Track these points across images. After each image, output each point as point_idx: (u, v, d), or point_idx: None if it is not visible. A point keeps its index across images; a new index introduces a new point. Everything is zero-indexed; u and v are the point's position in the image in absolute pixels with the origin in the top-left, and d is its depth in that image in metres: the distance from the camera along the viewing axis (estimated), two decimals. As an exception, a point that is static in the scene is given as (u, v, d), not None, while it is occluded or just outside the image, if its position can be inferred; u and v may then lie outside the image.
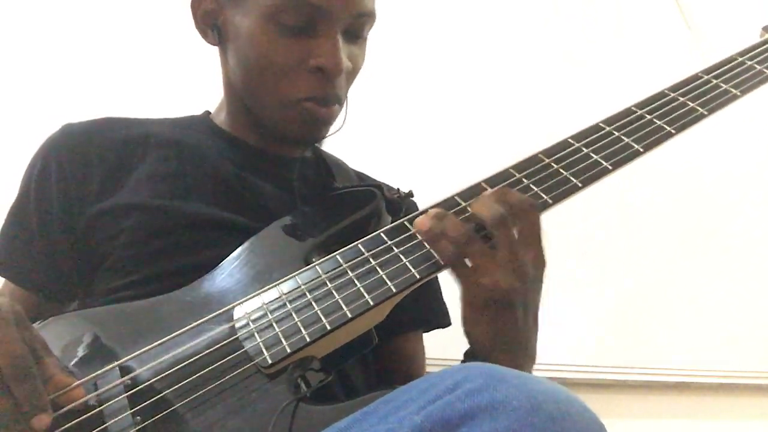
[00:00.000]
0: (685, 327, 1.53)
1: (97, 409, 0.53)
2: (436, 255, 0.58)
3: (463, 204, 0.62)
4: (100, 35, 1.22)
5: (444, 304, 0.87)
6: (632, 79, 1.63)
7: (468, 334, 0.60)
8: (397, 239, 0.61)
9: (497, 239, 0.56)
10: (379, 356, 0.79)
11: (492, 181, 0.65)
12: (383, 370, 0.80)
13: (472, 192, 0.64)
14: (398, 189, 0.80)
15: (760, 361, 1.58)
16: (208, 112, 0.88)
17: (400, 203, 0.77)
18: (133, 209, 0.72)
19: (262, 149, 0.81)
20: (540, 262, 0.58)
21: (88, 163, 0.75)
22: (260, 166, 0.80)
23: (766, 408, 1.56)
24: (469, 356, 0.62)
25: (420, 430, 0.40)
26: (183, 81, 1.19)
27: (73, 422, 0.52)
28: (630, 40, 1.79)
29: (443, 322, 0.87)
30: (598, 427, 0.42)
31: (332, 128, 0.80)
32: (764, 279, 1.68)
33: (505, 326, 0.57)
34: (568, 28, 1.75)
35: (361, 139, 1.17)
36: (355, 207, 0.71)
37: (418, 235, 0.59)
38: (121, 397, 0.54)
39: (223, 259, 0.67)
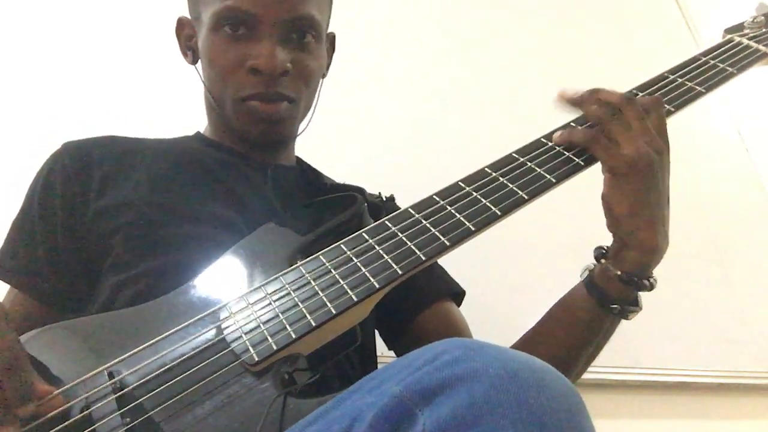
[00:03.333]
0: (684, 327, 1.52)
1: (86, 412, 0.53)
2: (416, 249, 0.60)
3: (442, 202, 0.64)
4: (92, 62, 1.25)
5: (450, 276, 0.89)
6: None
7: (609, 205, 0.67)
8: (379, 238, 0.63)
9: (628, 116, 0.66)
10: (411, 335, 0.82)
11: (468, 180, 0.67)
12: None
13: (451, 192, 0.66)
14: (380, 193, 0.84)
15: (760, 361, 1.57)
16: (198, 131, 0.93)
17: (381, 206, 0.80)
18: (130, 205, 0.76)
19: (246, 155, 0.86)
20: (666, 148, 0.67)
21: (89, 169, 0.79)
22: (247, 171, 0.84)
23: (766, 408, 1.55)
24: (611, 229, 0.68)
25: (399, 399, 0.41)
26: (175, 106, 1.22)
27: (62, 425, 0.52)
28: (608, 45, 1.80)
29: (457, 289, 0.88)
30: (572, 394, 0.42)
31: (299, 128, 0.86)
32: (764, 279, 1.68)
33: (647, 192, 0.65)
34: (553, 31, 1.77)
35: (341, 148, 1.19)
36: (338, 210, 0.73)
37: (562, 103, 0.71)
38: (109, 399, 0.54)
39: (218, 254, 0.69)
